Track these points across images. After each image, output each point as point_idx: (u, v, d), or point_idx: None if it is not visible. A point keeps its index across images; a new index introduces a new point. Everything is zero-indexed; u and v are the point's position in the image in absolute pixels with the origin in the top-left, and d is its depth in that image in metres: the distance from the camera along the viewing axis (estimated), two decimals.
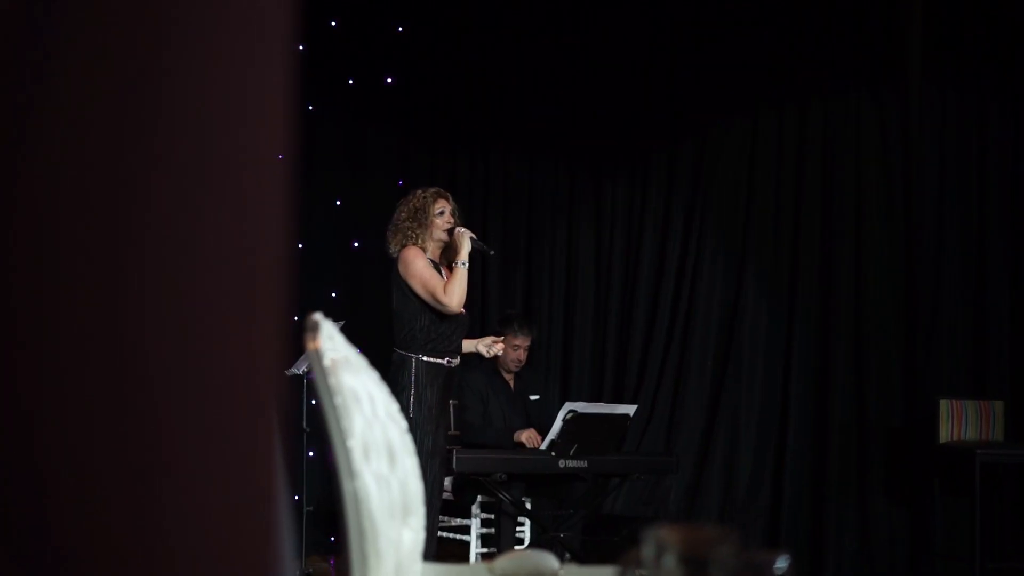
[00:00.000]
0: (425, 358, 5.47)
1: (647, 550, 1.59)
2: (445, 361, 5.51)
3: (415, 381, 5.42)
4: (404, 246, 5.57)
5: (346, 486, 2.20)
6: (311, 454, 6.89)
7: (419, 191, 5.72)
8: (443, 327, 5.53)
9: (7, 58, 1.26)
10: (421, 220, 5.61)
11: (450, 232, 5.62)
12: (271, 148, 1.40)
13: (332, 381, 2.21)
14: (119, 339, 1.31)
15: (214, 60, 1.36)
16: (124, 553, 1.32)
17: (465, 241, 5.60)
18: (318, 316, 2.28)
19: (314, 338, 2.24)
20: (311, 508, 6.78)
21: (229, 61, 1.37)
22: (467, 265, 5.58)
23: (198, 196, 1.35)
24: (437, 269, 5.59)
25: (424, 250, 5.58)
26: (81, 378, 1.29)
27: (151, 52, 1.31)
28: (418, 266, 5.50)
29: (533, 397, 6.93)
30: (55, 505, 1.29)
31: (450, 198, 5.74)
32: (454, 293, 5.51)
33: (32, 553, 1.28)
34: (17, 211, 1.28)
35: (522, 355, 6.82)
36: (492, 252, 6.10)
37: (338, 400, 2.21)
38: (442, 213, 5.65)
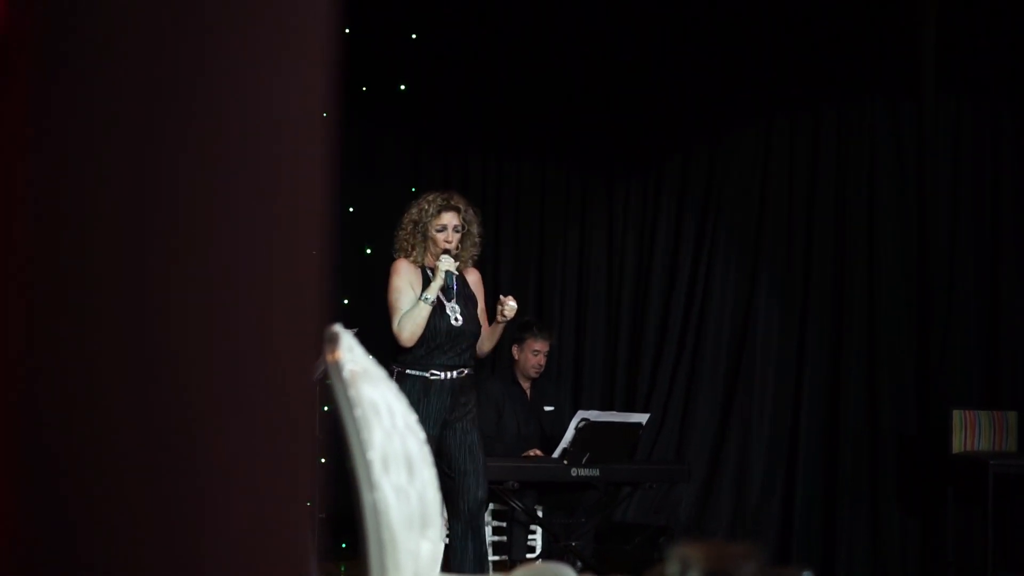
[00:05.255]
0: (409, 371, 5.27)
1: (671, 566, 1.59)
2: (442, 375, 5.28)
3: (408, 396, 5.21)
4: (396, 256, 5.38)
5: (366, 498, 2.20)
6: (323, 460, 6.88)
7: (426, 198, 5.39)
8: (435, 340, 5.26)
9: (44, 61, 1.26)
10: (420, 232, 5.31)
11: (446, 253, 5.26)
12: (306, 156, 1.40)
13: (352, 393, 2.21)
14: (152, 345, 1.31)
15: (253, 68, 1.36)
16: (155, 558, 1.32)
17: (440, 275, 5.23)
18: (338, 327, 2.28)
19: (334, 350, 2.24)
20: (323, 515, 6.78)
21: (269, 69, 1.37)
22: (430, 301, 5.22)
23: (234, 205, 1.35)
24: (427, 284, 5.29)
25: (418, 263, 5.33)
26: (113, 384, 1.30)
27: (191, 67, 1.31)
28: (392, 283, 5.29)
29: (548, 408, 6.92)
30: (83, 509, 1.29)
31: (461, 209, 5.38)
32: (404, 328, 5.21)
33: (60, 555, 1.28)
34: (41, 223, 1.28)
35: (543, 360, 6.81)
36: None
37: (358, 412, 2.21)
38: (443, 229, 5.31)
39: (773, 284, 7.95)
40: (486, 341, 5.51)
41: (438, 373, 5.27)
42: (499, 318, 5.38)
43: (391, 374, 5.13)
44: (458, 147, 8.53)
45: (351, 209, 8.01)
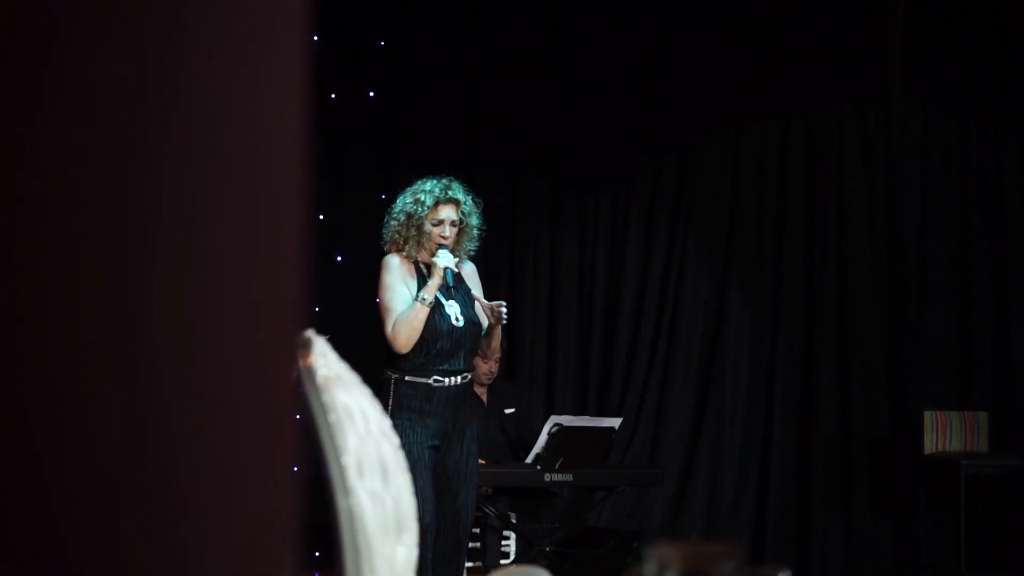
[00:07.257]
0: (409, 378, 4.76)
1: (649, 567, 1.58)
2: (446, 381, 4.78)
3: (392, 404, 4.74)
4: (387, 250, 4.88)
5: (340, 504, 2.19)
6: (295, 468, 6.85)
7: (423, 187, 4.83)
8: (436, 345, 4.76)
9: (16, 52, 1.25)
10: (415, 225, 4.79)
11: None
12: (278, 164, 1.39)
13: (326, 398, 2.20)
14: (122, 352, 1.30)
15: (222, 75, 1.35)
16: (126, 563, 1.31)
17: (437, 273, 4.72)
18: (310, 332, 2.27)
19: (307, 355, 2.23)
20: (297, 523, 6.74)
21: (238, 75, 1.36)
22: (428, 303, 4.70)
23: (204, 213, 1.34)
24: (423, 280, 4.79)
25: (411, 258, 4.83)
26: (90, 384, 1.28)
27: (156, 74, 1.30)
28: (384, 280, 4.79)
29: (508, 411, 6.89)
30: (52, 512, 1.28)
31: (460, 201, 4.84)
32: (400, 332, 4.68)
33: (39, 560, 1.27)
34: (22, 214, 1.27)
35: (493, 367, 6.78)
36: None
37: (332, 417, 2.20)
38: (439, 224, 4.81)
39: (744, 288, 7.98)
40: (492, 340, 5.01)
41: (441, 379, 4.75)
42: (495, 323, 4.89)
43: (387, 383, 4.78)
44: (428, 154, 8.52)
45: (321, 217, 7.99)
